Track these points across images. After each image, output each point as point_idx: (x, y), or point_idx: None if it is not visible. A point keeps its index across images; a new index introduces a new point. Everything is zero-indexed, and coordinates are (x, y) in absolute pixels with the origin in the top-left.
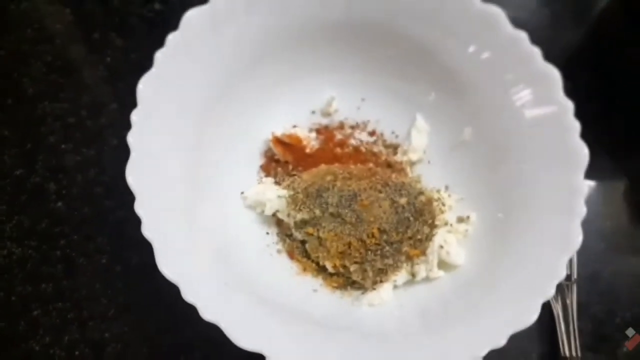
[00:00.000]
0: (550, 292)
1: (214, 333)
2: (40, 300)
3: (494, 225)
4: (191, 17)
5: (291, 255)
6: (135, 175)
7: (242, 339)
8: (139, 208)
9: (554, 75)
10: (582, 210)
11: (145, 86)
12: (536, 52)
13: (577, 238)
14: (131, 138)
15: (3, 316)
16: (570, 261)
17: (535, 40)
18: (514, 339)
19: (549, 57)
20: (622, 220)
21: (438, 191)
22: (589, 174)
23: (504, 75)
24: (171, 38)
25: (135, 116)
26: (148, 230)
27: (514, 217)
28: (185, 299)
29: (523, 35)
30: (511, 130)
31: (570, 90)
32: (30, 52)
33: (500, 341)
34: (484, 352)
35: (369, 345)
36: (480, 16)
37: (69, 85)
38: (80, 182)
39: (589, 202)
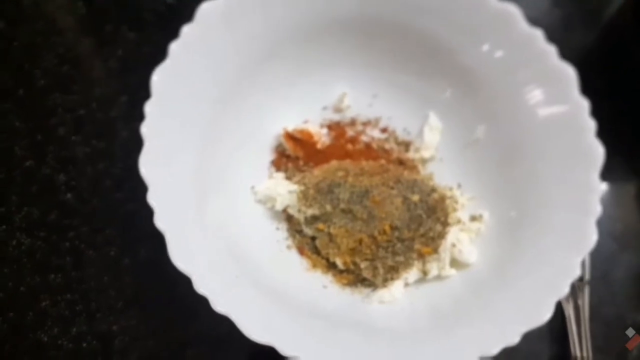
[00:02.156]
0: (564, 290)
1: (221, 327)
2: (49, 291)
3: (507, 224)
4: (206, 9)
5: (301, 251)
6: (148, 166)
7: (253, 331)
8: (152, 199)
9: (569, 73)
10: (597, 209)
11: (159, 77)
12: (551, 50)
13: (592, 237)
14: (145, 129)
15: (12, 306)
16: (583, 262)
17: (548, 40)
18: (525, 339)
19: (561, 57)
20: (633, 222)
21: (451, 189)
22: (601, 175)
23: (518, 74)
24: (186, 30)
25: (149, 107)
26: (161, 222)
27: (527, 216)
28: (198, 290)
29: (538, 34)
30: (525, 128)
31: (583, 91)
32: (43, 44)
33: (513, 339)
34: (497, 350)
35: (378, 341)
36: (495, 14)
37: (80, 78)
38: (90, 174)
39: (601, 203)
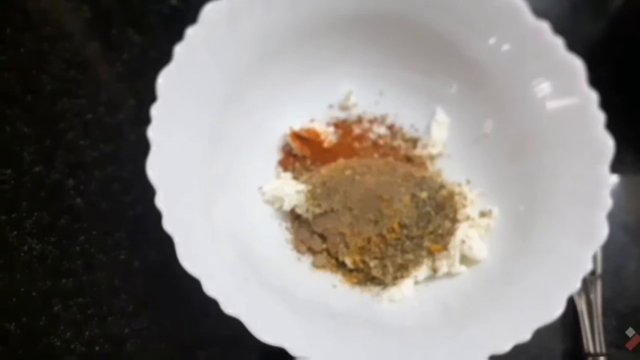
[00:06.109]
0: (576, 285)
1: (232, 328)
2: (61, 295)
3: (516, 218)
4: (210, 11)
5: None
6: (155, 169)
7: (264, 332)
8: (160, 202)
9: (577, 65)
10: (608, 203)
11: (165, 80)
12: (558, 42)
13: (603, 231)
14: (151, 132)
15: (24, 311)
16: (595, 255)
17: (555, 31)
18: (537, 335)
19: (570, 48)
20: None
21: (459, 185)
22: (612, 168)
23: (525, 67)
24: (190, 32)
25: (155, 110)
26: (169, 224)
27: (537, 210)
28: (207, 293)
29: (545, 26)
30: (533, 122)
31: (592, 83)
32: (49, 50)
33: (525, 336)
34: (508, 347)
35: (389, 340)
36: (500, 7)
37: (88, 82)
38: (99, 178)
39: (612, 195)
